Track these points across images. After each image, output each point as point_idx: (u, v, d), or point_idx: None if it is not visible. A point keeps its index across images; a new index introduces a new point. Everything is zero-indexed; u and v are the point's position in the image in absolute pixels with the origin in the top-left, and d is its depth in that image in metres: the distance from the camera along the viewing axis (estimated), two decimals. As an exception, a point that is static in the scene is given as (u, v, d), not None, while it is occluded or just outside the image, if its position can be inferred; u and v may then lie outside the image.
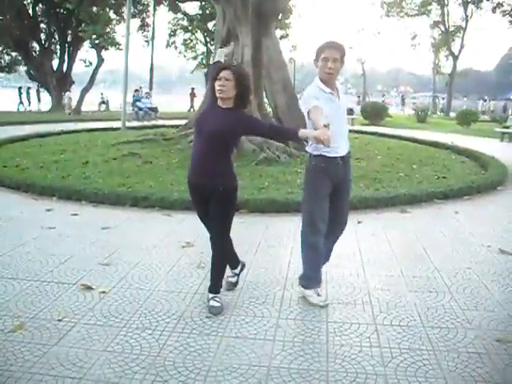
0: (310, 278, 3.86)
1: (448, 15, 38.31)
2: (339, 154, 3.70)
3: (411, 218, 6.59)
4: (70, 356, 2.92)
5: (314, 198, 3.76)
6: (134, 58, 28.66)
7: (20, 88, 31.42)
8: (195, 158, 3.58)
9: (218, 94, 3.47)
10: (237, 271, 4.05)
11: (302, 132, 3.38)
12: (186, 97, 35.31)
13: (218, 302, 3.62)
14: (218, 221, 3.59)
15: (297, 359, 2.97)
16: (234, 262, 4.00)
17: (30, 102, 31.78)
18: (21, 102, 30.96)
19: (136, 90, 24.53)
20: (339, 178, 3.76)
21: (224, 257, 3.71)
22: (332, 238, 3.96)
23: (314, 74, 4.01)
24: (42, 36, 29.01)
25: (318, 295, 3.81)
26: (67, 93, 28.05)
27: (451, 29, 38.36)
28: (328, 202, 3.76)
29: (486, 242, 5.45)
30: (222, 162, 3.55)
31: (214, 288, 3.66)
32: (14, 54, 30.64)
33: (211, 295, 3.65)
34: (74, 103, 27.51)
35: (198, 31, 32.37)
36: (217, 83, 3.45)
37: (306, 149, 3.80)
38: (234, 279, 4.05)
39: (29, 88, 32.11)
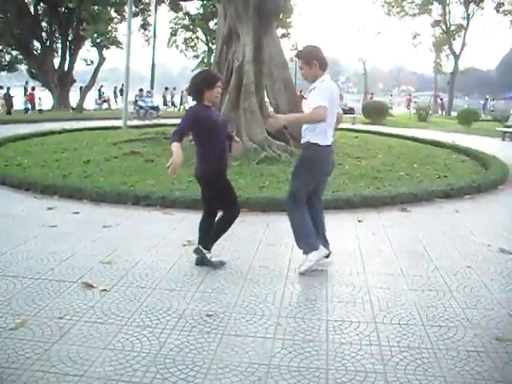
0: None
1: (449, 14, 38.22)
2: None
3: (412, 216, 6.60)
4: (71, 353, 2.94)
5: None
6: (135, 56, 28.72)
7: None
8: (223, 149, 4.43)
9: (216, 100, 4.44)
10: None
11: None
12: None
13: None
14: None
15: (297, 357, 2.98)
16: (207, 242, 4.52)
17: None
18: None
19: (140, 90, 24.53)
20: None
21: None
22: None
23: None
24: (44, 35, 28.96)
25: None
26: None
27: (452, 28, 38.25)
28: None
29: (487, 240, 5.46)
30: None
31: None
32: (14, 52, 30.54)
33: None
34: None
35: (199, 30, 32.40)
36: (215, 90, 4.29)
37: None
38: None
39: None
